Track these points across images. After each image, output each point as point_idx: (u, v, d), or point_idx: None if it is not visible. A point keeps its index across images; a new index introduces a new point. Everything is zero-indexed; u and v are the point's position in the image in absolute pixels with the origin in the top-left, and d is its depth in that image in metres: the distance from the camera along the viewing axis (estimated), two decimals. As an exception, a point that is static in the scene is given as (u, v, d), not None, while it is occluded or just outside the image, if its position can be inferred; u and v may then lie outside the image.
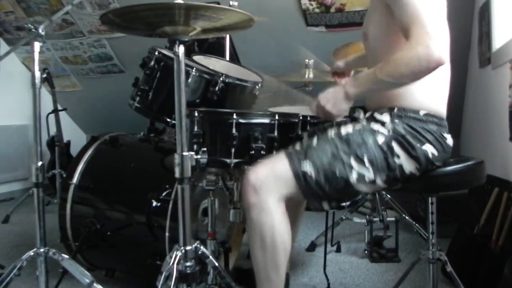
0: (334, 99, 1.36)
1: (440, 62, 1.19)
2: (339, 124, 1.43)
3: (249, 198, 1.35)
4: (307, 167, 1.33)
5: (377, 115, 1.39)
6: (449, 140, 1.41)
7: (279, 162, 1.38)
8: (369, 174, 1.34)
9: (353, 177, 1.34)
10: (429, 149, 1.35)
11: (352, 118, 1.47)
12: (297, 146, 1.41)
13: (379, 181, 1.36)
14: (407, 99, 1.37)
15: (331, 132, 1.40)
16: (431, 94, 1.40)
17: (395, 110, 1.37)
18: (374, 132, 1.36)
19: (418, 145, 1.34)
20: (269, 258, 1.37)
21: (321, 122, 1.77)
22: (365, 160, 1.33)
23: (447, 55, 1.20)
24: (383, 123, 1.37)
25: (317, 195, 1.35)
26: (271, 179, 1.35)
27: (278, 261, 1.38)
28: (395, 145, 1.34)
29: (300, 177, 1.33)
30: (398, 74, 1.25)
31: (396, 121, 1.36)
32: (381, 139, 1.35)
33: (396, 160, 1.34)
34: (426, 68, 1.21)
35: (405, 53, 1.23)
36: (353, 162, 1.33)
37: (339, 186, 1.34)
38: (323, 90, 1.40)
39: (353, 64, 1.91)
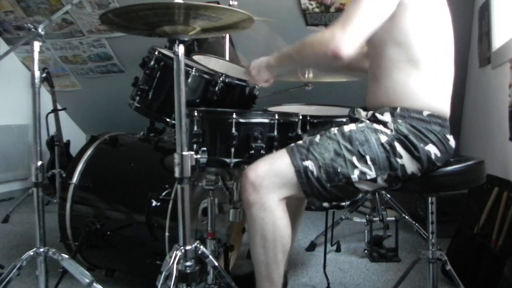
0: (259, 67, 1.50)
1: (336, 52, 1.21)
2: (340, 124, 1.44)
3: (249, 196, 1.35)
4: (309, 163, 1.33)
5: (378, 115, 1.39)
6: (452, 142, 1.41)
7: (279, 159, 1.37)
8: (371, 173, 1.34)
9: (355, 175, 1.33)
10: (432, 150, 1.35)
11: (352, 119, 1.47)
12: (299, 142, 1.41)
13: (380, 180, 1.36)
14: (410, 99, 1.37)
15: (334, 129, 1.40)
16: (434, 95, 1.39)
17: (398, 110, 1.36)
18: (376, 131, 1.36)
19: (421, 145, 1.34)
20: (270, 254, 1.37)
21: (321, 123, 1.78)
22: (368, 158, 1.33)
23: (346, 51, 1.22)
24: (384, 123, 1.37)
25: (318, 192, 1.35)
26: (271, 175, 1.34)
27: (278, 257, 1.38)
28: (397, 145, 1.34)
29: (302, 173, 1.33)
30: (302, 53, 1.36)
31: (399, 121, 1.35)
32: (383, 138, 1.35)
33: (399, 160, 1.34)
34: (324, 54, 1.25)
35: (316, 36, 1.30)
36: (355, 160, 1.33)
37: (341, 183, 1.34)
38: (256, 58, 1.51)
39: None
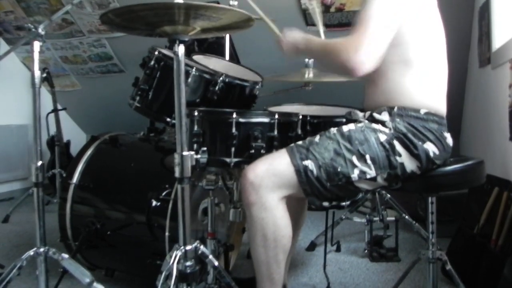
0: (287, 45, 1.51)
1: (354, 69, 1.24)
2: (340, 124, 1.44)
3: (249, 197, 1.35)
4: (309, 162, 1.34)
5: (376, 115, 1.39)
6: (449, 139, 1.42)
7: (278, 158, 1.38)
8: (370, 172, 1.34)
9: (355, 174, 1.34)
10: (430, 148, 1.36)
11: (349, 121, 1.47)
12: (299, 142, 1.41)
13: (380, 179, 1.36)
14: (406, 98, 1.38)
15: (333, 129, 1.40)
16: (430, 93, 1.40)
17: (395, 109, 1.37)
18: (375, 130, 1.37)
19: (420, 143, 1.35)
20: (271, 254, 1.37)
21: (320, 123, 1.78)
22: (367, 157, 1.34)
23: (365, 69, 1.24)
24: (383, 123, 1.37)
25: (318, 191, 1.35)
26: (270, 175, 1.35)
27: (279, 257, 1.39)
28: (396, 144, 1.35)
29: (301, 172, 1.33)
30: (319, 56, 1.43)
31: (397, 120, 1.36)
32: (382, 137, 1.35)
33: (398, 158, 1.35)
34: (339, 67, 1.29)
35: (336, 45, 1.29)
36: (355, 159, 1.34)
37: (341, 183, 1.34)
38: (289, 31, 1.52)
39: None
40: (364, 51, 1.24)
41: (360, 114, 1.47)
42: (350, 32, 1.29)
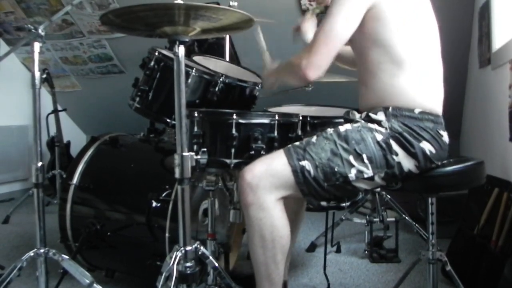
0: (267, 70, 1.69)
1: (304, 77, 1.38)
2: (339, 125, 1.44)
3: (247, 197, 1.35)
4: (306, 163, 1.34)
5: (372, 115, 1.40)
6: (445, 138, 1.42)
7: (276, 159, 1.38)
8: (368, 171, 1.35)
9: (352, 174, 1.34)
10: (427, 147, 1.36)
11: (347, 121, 1.48)
12: (296, 143, 1.42)
13: (377, 178, 1.37)
14: (400, 98, 1.38)
15: (330, 130, 1.41)
16: (423, 92, 1.41)
17: (390, 109, 1.38)
18: (372, 130, 1.37)
19: (416, 142, 1.35)
20: (269, 255, 1.37)
21: (320, 123, 1.78)
22: (364, 157, 1.34)
23: (312, 76, 1.37)
24: (379, 122, 1.38)
25: (315, 192, 1.36)
26: (267, 176, 1.35)
27: (278, 257, 1.38)
28: (393, 143, 1.35)
29: (298, 173, 1.34)
30: (280, 73, 1.58)
31: (393, 120, 1.37)
32: (379, 137, 1.36)
33: (395, 157, 1.35)
34: (297, 78, 1.43)
35: (293, 59, 1.44)
36: (352, 159, 1.34)
37: (338, 182, 1.35)
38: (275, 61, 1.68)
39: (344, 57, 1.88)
40: (312, 59, 1.37)
41: (358, 115, 1.47)
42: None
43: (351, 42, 1.49)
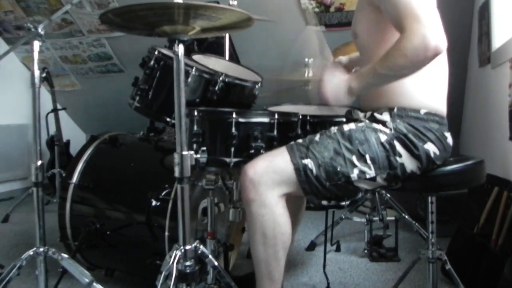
0: (336, 90, 1.37)
1: (437, 50, 1.19)
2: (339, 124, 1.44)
3: (249, 194, 1.35)
4: (308, 161, 1.33)
5: (377, 115, 1.39)
6: (450, 139, 1.41)
7: (278, 156, 1.37)
8: (370, 172, 1.34)
9: (354, 174, 1.34)
10: (431, 148, 1.35)
11: (349, 120, 1.47)
12: (299, 141, 1.41)
13: (379, 179, 1.36)
14: (406, 98, 1.37)
15: (334, 129, 1.40)
16: (430, 93, 1.40)
17: (395, 109, 1.37)
18: (376, 130, 1.37)
19: (420, 144, 1.34)
20: (270, 252, 1.37)
21: (320, 122, 1.78)
22: (367, 158, 1.34)
23: (444, 42, 1.20)
24: (384, 123, 1.37)
25: (317, 190, 1.35)
26: (269, 172, 1.34)
27: (279, 254, 1.38)
28: (397, 144, 1.35)
29: (301, 171, 1.33)
30: (398, 66, 1.26)
31: (398, 120, 1.36)
32: (383, 138, 1.35)
33: (398, 159, 1.35)
34: (424, 57, 1.21)
35: (402, 45, 1.22)
36: (355, 159, 1.34)
37: (340, 182, 1.34)
38: (325, 71, 1.41)
39: (356, 61, 1.90)
40: (429, 28, 1.19)
41: (361, 114, 1.46)
42: (399, 29, 1.25)
43: (356, 39, 1.49)
